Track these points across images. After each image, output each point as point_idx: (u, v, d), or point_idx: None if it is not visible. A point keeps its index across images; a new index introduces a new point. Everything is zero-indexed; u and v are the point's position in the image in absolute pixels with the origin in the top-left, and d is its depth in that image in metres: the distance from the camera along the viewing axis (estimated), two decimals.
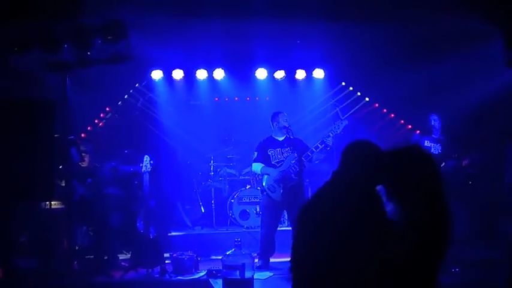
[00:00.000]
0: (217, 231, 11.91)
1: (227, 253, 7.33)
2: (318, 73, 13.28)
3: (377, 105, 13.41)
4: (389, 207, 3.59)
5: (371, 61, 12.04)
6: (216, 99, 13.83)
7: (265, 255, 9.29)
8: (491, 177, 10.54)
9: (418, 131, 11.19)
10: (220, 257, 7.83)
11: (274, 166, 9.29)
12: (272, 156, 9.36)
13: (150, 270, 8.91)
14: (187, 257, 9.16)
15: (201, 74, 12.91)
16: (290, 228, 9.50)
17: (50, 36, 8.44)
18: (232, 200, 12.00)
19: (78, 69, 8.85)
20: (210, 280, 8.52)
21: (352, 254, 3.56)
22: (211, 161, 12.85)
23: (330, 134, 8.87)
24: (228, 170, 12.86)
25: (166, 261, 9.30)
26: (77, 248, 9.48)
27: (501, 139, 10.22)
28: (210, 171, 12.78)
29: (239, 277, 7.10)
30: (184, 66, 12.81)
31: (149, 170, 9.23)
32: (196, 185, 12.89)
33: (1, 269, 8.77)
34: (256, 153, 9.52)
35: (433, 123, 10.43)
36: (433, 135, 10.38)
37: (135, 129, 12.69)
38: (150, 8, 9.04)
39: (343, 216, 3.69)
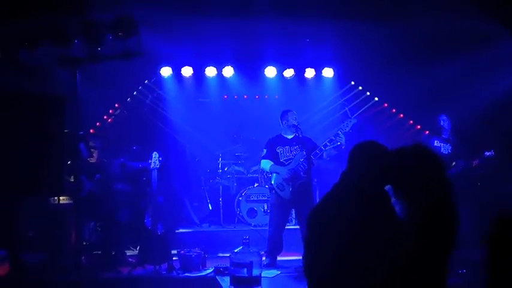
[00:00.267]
0: (224, 229, 11.90)
1: (235, 251, 7.31)
2: (327, 72, 13.28)
3: (386, 105, 13.38)
4: (397, 208, 3.58)
5: (380, 61, 12.01)
6: (225, 96, 13.83)
7: (272, 253, 9.28)
8: (501, 178, 10.50)
9: (427, 132, 11.16)
10: (227, 255, 7.82)
11: (282, 164, 9.28)
12: (281, 153, 9.35)
13: (157, 266, 8.93)
14: (195, 254, 9.16)
15: (210, 72, 12.92)
16: (298, 226, 9.48)
17: (61, 32, 8.46)
18: (240, 198, 11.99)
19: (88, 64, 8.85)
20: (217, 277, 8.49)
21: (359, 255, 3.55)
22: (220, 159, 12.83)
23: (339, 132, 8.85)
24: (236, 168, 12.85)
25: (174, 258, 9.29)
26: (84, 243, 9.50)
27: (511, 140, 10.20)
28: (218, 169, 12.77)
29: (247, 275, 7.08)
30: (194, 63, 12.82)
31: (158, 166, 9.24)
32: (204, 182, 12.88)
33: (9, 263, 8.81)
34: (265, 151, 9.51)
35: (442, 124, 10.38)
36: (442, 136, 10.34)
37: (143, 125, 12.73)
38: (160, 4, 9.04)
39: (350, 217, 3.69)
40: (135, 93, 12.97)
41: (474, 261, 8.30)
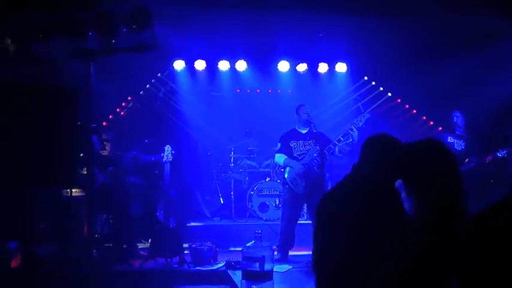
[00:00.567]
0: (236, 223, 11.89)
1: (247, 245, 7.29)
2: (341, 67, 13.26)
3: (399, 100, 13.33)
4: (407, 205, 3.55)
5: (394, 56, 11.97)
6: (238, 90, 13.81)
7: (284, 248, 9.29)
8: None
9: (440, 128, 11.12)
10: (238, 249, 7.82)
11: (296, 158, 9.28)
12: (294, 148, 9.35)
13: (169, 259, 8.94)
14: (207, 247, 9.17)
15: (223, 65, 12.93)
16: (310, 221, 9.48)
17: (75, 24, 8.46)
18: (252, 192, 11.98)
19: (102, 57, 8.86)
20: (228, 271, 8.51)
21: (364, 247, 3.53)
22: (232, 153, 12.82)
23: (353, 127, 8.83)
24: (248, 162, 12.84)
25: (185, 252, 9.30)
26: (96, 236, 9.51)
27: None
28: (230, 163, 12.76)
29: (259, 269, 7.07)
30: (207, 57, 12.82)
31: (170, 159, 9.24)
32: (216, 176, 12.87)
33: (20, 255, 8.83)
34: (279, 145, 9.50)
35: (455, 120, 10.36)
36: (456, 132, 10.31)
37: (156, 118, 12.73)
38: None
39: (356, 208, 3.67)
40: (148, 86, 12.98)
41: None
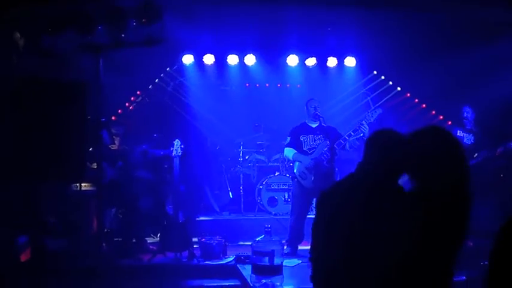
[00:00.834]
0: (245, 217, 11.87)
1: (257, 239, 7.29)
2: (350, 61, 13.25)
3: (409, 95, 13.31)
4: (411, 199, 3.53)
5: (404, 50, 11.93)
6: (247, 85, 13.82)
7: (293, 242, 9.27)
8: None
9: (449, 122, 11.08)
10: (247, 243, 7.83)
11: (305, 153, 9.25)
12: (304, 142, 9.33)
13: (178, 254, 8.96)
14: (216, 242, 9.16)
15: (232, 60, 12.93)
16: None
17: (84, 18, 8.46)
18: (261, 187, 11.95)
19: (111, 51, 8.85)
20: (238, 266, 8.50)
21: (362, 245, 3.52)
22: (241, 147, 12.79)
23: (364, 122, 8.79)
24: (257, 156, 12.83)
25: (195, 246, 9.30)
26: (105, 230, 9.52)
27: None
28: (239, 157, 12.74)
29: (268, 263, 7.07)
30: (216, 51, 12.82)
31: (180, 154, 9.24)
32: (225, 170, 12.88)
33: (30, 249, 8.84)
34: (289, 138, 9.49)
35: (465, 115, 10.32)
36: (465, 127, 10.27)
37: (165, 113, 12.74)
38: None
39: (356, 204, 3.67)
40: (156, 80, 13.00)
41: None
